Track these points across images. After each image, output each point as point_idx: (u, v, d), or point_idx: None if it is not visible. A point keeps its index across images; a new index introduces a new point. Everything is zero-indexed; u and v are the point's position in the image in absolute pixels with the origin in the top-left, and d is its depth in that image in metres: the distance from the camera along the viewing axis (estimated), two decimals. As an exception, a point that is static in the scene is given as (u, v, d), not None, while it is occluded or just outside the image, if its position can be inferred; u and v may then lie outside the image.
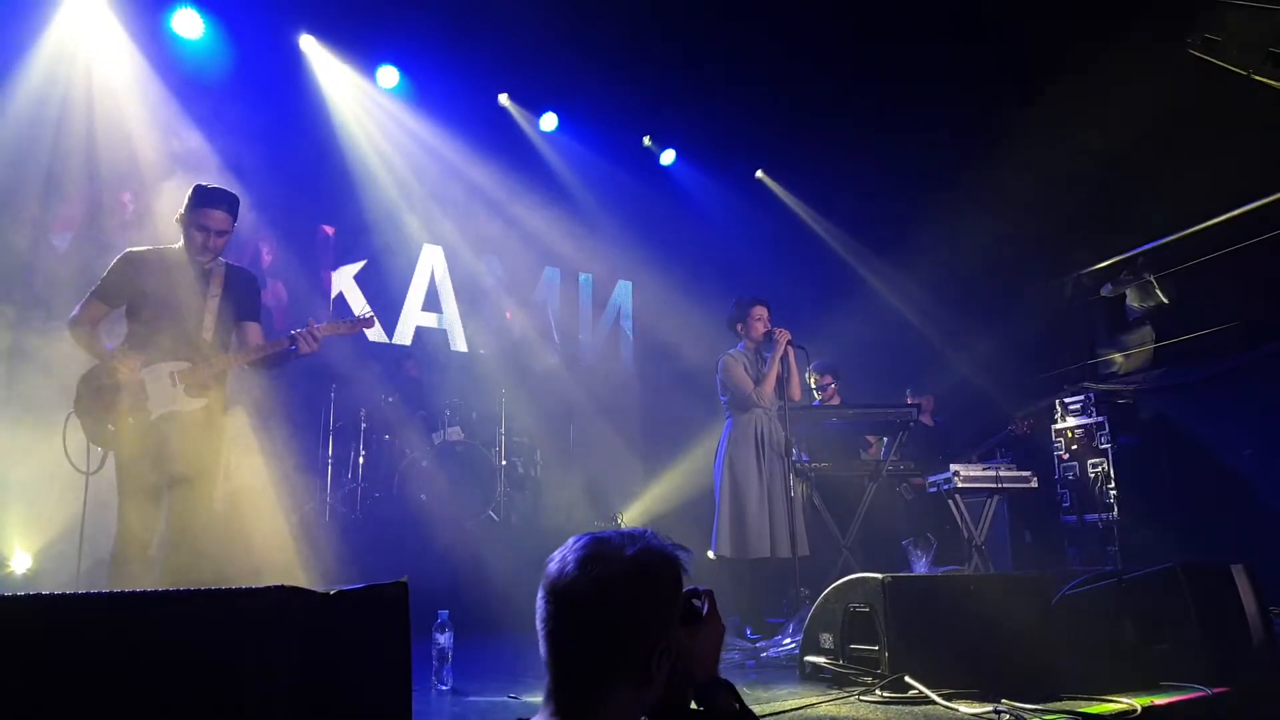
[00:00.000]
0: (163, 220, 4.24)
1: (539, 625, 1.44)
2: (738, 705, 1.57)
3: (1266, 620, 3.58)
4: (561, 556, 1.45)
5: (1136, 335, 7.93)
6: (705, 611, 1.57)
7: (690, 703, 1.56)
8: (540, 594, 1.45)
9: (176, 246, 3.84)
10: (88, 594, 1.69)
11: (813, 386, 6.65)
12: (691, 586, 1.53)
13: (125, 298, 3.75)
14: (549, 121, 8.82)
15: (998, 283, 8.44)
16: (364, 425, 7.06)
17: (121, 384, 3.56)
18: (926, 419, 7.27)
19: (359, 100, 7.99)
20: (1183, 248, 7.30)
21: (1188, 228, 7.19)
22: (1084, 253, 8.21)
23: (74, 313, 3.74)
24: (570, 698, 1.40)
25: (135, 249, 3.84)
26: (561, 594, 1.41)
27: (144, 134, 6.43)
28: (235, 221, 3.85)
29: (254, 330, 3.97)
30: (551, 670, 1.43)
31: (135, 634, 1.70)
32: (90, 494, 3.63)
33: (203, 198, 3.77)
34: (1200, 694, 3.19)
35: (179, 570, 3.46)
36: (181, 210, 3.79)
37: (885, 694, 3.20)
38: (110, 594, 1.75)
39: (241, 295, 3.94)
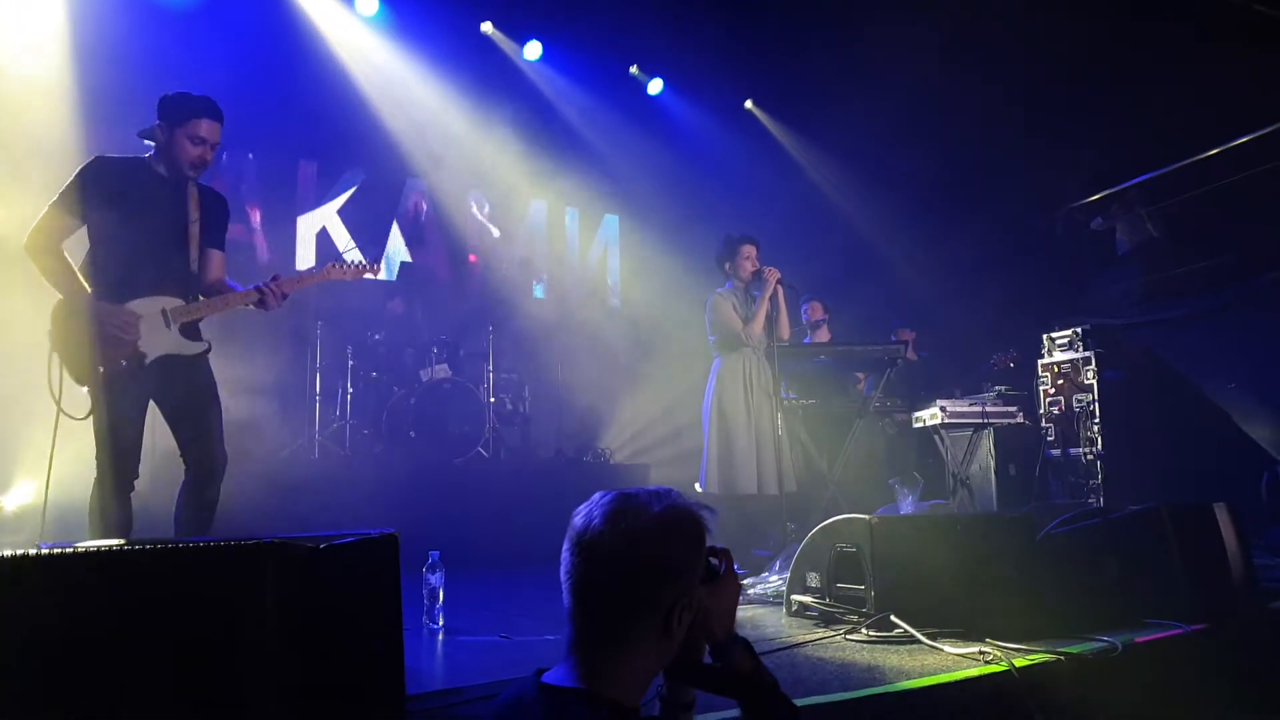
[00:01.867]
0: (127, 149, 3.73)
1: (563, 578, 1.46)
2: (753, 662, 1.60)
3: (1247, 558, 3.64)
4: (588, 511, 1.47)
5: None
6: (723, 571, 1.59)
7: (703, 658, 1.59)
8: (566, 547, 1.47)
9: (146, 156, 3.44)
10: (71, 551, 1.67)
11: (805, 322, 6.64)
12: (709, 545, 1.55)
13: (95, 211, 3.29)
14: (533, 50, 8.59)
15: (989, 217, 8.38)
16: (351, 362, 7.02)
17: (108, 321, 3.22)
18: (911, 354, 7.29)
19: (337, 29, 7.74)
20: (1174, 181, 7.23)
21: (1179, 161, 7.12)
22: (1075, 186, 8.14)
23: (33, 227, 3.27)
24: (592, 650, 1.43)
25: (103, 156, 3.38)
26: (588, 547, 1.43)
27: (109, 65, 6.22)
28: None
29: (218, 259, 3.63)
30: (575, 623, 1.45)
31: (122, 589, 1.69)
32: (60, 432, 3.27)
33: (190, 107, 3.35)
34: (1179, 631, 3.25)
35: (198, 525, 3.34)
36: (159, 123, 3.38)
37: (871, 633, 3.25)
38: (97, 551, 1.73)
39: (215, 220, 3.60)
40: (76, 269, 3.31)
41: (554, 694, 1.40)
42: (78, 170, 3.33)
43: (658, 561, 1.43)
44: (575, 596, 1.44)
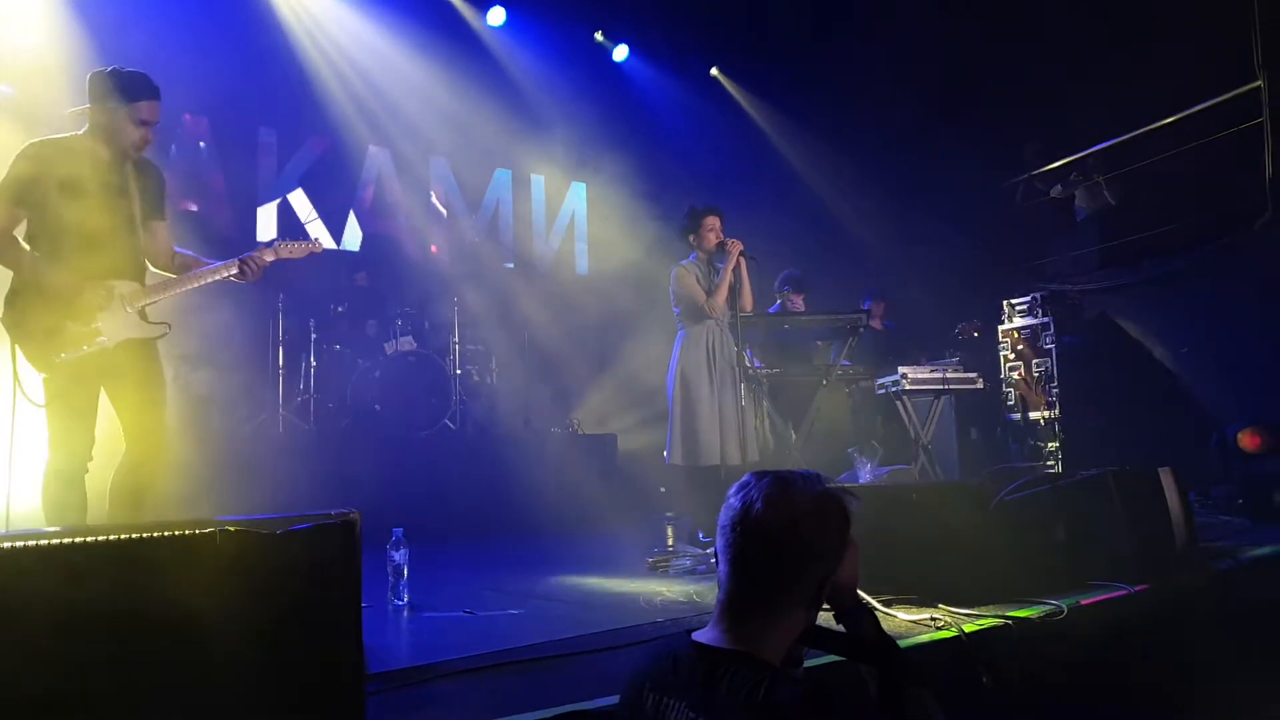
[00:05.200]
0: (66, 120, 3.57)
1: (721, 550, 1.62)
2: (879, 628, 1.75)
3: (1189, 520, 3.76)
4: (745, 494, 1.61)
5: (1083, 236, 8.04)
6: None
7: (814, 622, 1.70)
8: (724, 524, 1.62)
9: (81, 135, 3.33)
10: (20, 545, 1.67)
11: (779, 300, 6.67)
12: None
13: (39, 198, 3.20)
14: (496, 16, 8.51)
15: (951, 185, 8.44)
16: (314, 335, 6.97)
17: (66, 308, 3.17)
18: (876, 324, 7.37)
19: (295, -5, 7.61)
20: (1131, 149, 7.33)
21: (1136, 129, 7.21)
22: (1035, 154, 8.22)
23: None
24: (746, 617, 1.59)
25: (38, 140, 3.27)
26: (749, 526, 1.58)
27: (50, 26, 6.06)
28: None
29: (162, 231, 3.55)
30: (730, 591, 1.60)
31: (76, 579, 1.69)
32: (19, 416, 3.25)
33: (128, 88, 3.27)
34: (1123, 592, 3.36)
35: (135, 507, 3.27)
36: (90, 104, 3.28)
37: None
38: (47, 544, 1.73)
39: (154, 191, 3.53)
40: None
41: (712, 653, 1.56)
42: (16, 157, 3.22)
43: (813, 544, 1.59)
44: (734, 569, 1.60)
